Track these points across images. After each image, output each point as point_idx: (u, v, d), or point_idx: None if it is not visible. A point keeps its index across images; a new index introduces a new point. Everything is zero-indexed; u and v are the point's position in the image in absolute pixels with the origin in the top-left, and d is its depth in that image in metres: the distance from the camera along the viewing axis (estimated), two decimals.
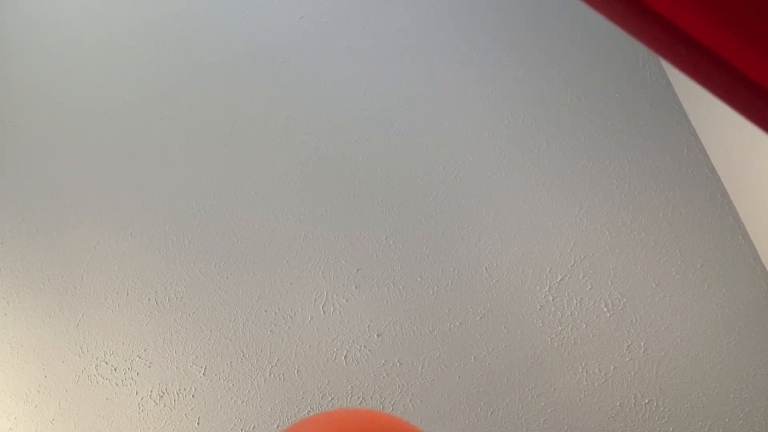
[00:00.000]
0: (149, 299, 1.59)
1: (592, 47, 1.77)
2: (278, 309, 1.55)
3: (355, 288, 1.56)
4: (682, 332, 1.45)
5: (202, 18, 1.95)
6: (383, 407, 1.50)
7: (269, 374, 1.51)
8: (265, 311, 1.55)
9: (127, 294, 1.60)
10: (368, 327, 1.53)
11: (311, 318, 1.55)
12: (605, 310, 1.49)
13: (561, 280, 1.52)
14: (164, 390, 1.50)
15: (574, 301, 1.50)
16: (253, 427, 1.47)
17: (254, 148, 1.74)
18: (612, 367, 1.44)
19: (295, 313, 1.55)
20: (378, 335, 1.52)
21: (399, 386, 1.50)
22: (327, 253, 1.60)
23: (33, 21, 1.99)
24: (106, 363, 1.53)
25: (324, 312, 1.55)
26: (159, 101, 1.83)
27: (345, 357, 1.51)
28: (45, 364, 1.54)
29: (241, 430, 1.47)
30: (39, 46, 1.95)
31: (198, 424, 1.47)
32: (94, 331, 1.56)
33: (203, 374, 1.51)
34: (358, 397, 1.50)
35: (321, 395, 1.49)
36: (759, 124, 0.50)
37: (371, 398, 1.50)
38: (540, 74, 1.76)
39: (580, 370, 1.44)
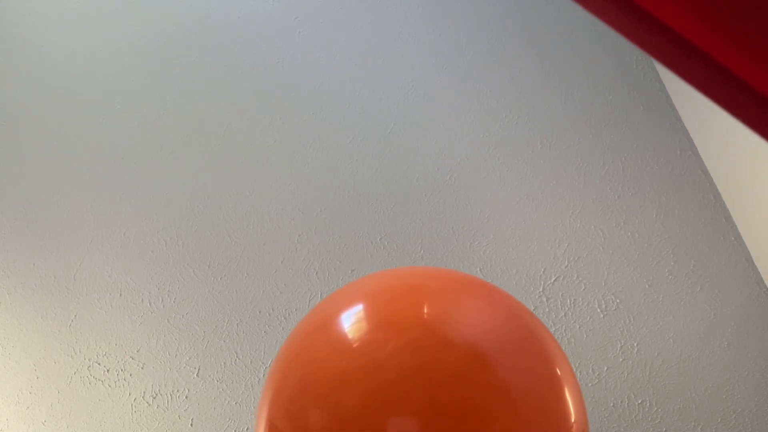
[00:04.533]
0: (142, 300, 1.58)
1: (587, 49, 1.78)
2: (272, 310, 1.55)
3: None
4: (675, 333, 1.46)
5: (196, 19, 1.94)
6: None
7: (263, 375, 1.50)
8: (259, 312, 1.55)
9: (120, 295, 1.59)
10: None
11: None
12: (599, 310, 1.49)
13: (555, 280, 1.52)
14: (157, 391, 1.49)
15: (568, 301, 1.50)
16: (247, 429, 1.47)
17: (248, 149, 1.74)
18: (605, 368, 1.44)
19: (289, 314, 1.54)
20: None
21: None
22: (321, 253, 1.59)
23: (29, 23, 1.98)
24: (99, 364, 1.52)
25: None
26: (152, 102, 1.83)
27: None
28: (37, 365, 1.53)
29: (235, 431, 1.47)
30: (35, 47, 1.94)
31: (191, 425, 1.46)
32: (87, 331, 1.56)
33: (197, 375, 1.50)
34: None
35: None
36: (751, 126, 0.50)
37: None
38: (534, 76, 1.76)
39: (574, 370, 1.45)
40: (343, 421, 0.76)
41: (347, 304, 0.87)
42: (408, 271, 1.01)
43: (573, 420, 0.80)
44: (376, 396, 0.76)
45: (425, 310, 0.83)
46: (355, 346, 0.80)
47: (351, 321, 0.83)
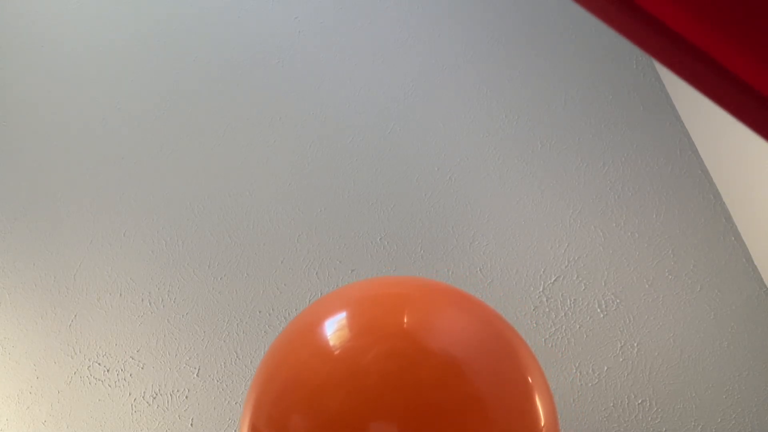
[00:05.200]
0: (142, 300, 1.58)
1: (587, 49, 1.78)
2: (272, 310, 1.55)
3: None
4: (675, 333, 1.46)
5: (196, 19, 1.94)
6: None
7: None
8: (259, 312, 1.55)
9: (120, 294, 1.59)
10: None
11: None
12: (599, 310, 1.49)
13: (555, 280, 1.52)
14: (157, 391, 1.49)
15: (568, 301, 1.50)
16: None
17: (248, 149, 1.74)
18: (605, 368, 1.44)
19: (289, 314, 1.54)
20: None
21: None
22: (321, 253, 1.59)
23: (29, 23, 1.98)
24: (99, 364, 1.52)
25: None
26: (152, 102, 1.83)
27: None
28: (37, 365, 1.53)
29: (235, 431, 1.47)
30: (35, 47, 1.94)
31: (191, 425, 1.46)
32: (87, 331, 1.56)
33: (197, 375, 1.50)
34: None
35: None
36: (751, 126, 0.50)
37: None
38: (535, 76, 1.76)
39: (574, 370, 1.45)
40: (325, 426, 0.78)
41: (331, 311, 0.89)
42: (390, 281, 1.04)
43: (542, 424, 0.84)
44: (358, 401, 0.78)
45: (406, 319, 0.85)
46: (337, 352, 0.82)
47: (334, 328, 0.85)
